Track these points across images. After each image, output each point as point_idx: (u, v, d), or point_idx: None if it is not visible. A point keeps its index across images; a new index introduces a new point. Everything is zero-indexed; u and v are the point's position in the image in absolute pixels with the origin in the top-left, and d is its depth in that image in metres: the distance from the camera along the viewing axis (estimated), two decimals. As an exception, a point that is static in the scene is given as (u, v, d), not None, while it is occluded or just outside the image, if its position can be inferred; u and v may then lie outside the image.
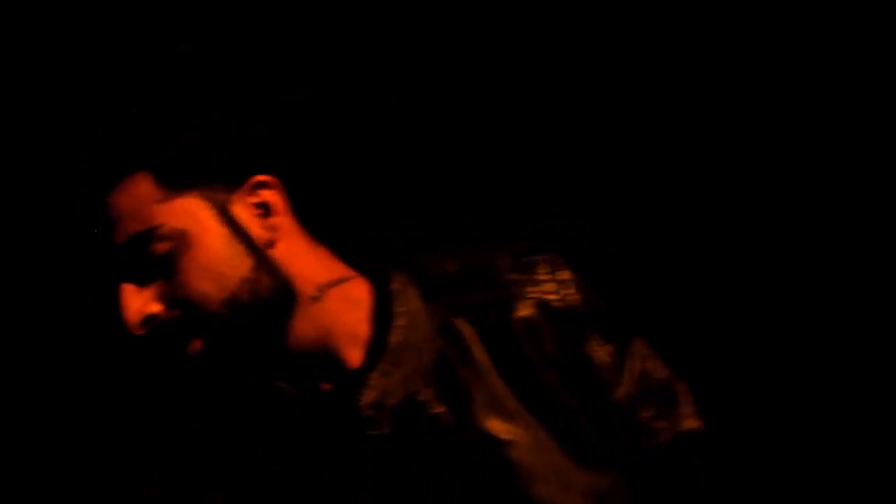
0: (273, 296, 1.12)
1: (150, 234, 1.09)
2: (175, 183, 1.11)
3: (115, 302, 1.09)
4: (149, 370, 1.32)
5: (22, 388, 1.38)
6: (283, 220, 1.16)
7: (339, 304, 1.15)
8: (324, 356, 1.14)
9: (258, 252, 1.13)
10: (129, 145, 1.11)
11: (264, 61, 1.49)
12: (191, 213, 1.11)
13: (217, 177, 1.13)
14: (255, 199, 1.15)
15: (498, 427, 1.10)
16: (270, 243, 1.14)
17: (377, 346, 1.13)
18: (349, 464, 1.11)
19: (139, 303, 1.09)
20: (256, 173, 1.15)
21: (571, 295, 1.15)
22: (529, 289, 1.15)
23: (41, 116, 1.38)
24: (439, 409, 1.11)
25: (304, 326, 1.14)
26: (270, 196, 1.15)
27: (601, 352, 1.14)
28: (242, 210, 1.14)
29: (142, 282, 1.10)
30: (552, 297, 1.14)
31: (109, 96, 1.26)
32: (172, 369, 1.14)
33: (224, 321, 1.09)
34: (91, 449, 1.36)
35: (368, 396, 1.11)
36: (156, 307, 1.09)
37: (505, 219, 1.48)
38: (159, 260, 1.09)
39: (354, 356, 1.14)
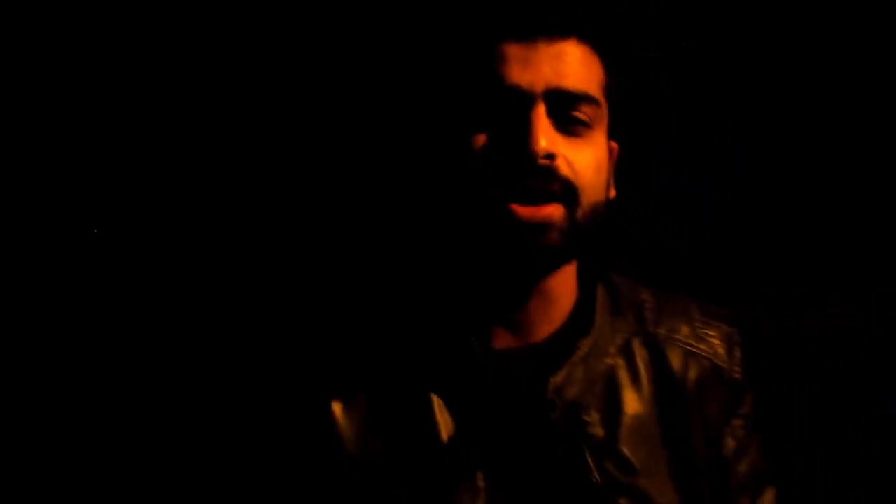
0: (596, 234, 1.11)
1: (584, 99, 1.08)
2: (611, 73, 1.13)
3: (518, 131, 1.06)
4: (148, 370, 1.32)
5: (22, 387, 1.37)
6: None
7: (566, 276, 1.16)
8: (524, 312, 1.13)
9: (608, 195, 1.15)
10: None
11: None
12: (604, 111, 1.12)
13: (618, 109, 1.15)
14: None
15: (636, 455, 1.10)
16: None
17: (571, 333, 1.14)
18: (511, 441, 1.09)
19: (550, 137, 1.06)
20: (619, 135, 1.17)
21: (737, 373, 1.19)
22: (703, 346, 1.19)
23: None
24: (594, 416, 1.11)
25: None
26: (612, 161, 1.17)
27: (739, 432, 1.17)
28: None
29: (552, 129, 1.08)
30: (722, 364, 1.19)
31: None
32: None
33: (586, 216, 1.08)
34: (91, 449, 1.36)
35: (558, 378, 1.11)
36: (557, 152, 1.07)
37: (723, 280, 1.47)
38: (576, 122, 1.08)
39: (542, 330, 1.14)
